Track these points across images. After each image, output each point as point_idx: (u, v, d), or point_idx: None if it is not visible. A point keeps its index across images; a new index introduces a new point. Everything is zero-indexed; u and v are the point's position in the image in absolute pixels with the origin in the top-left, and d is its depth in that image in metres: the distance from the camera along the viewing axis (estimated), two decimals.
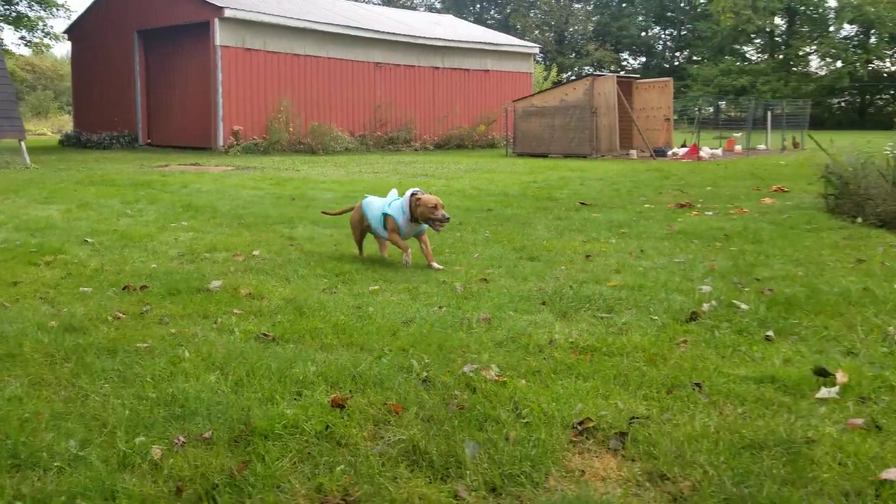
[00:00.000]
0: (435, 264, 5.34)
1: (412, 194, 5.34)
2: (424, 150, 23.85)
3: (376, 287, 4.69)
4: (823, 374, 2.94)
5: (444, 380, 2.99)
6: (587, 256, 5.83)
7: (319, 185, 11.60)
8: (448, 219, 5.31)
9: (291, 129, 20.98)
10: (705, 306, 4.12)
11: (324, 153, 20.84)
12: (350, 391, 2.87)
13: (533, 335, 3.63)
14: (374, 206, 5.62)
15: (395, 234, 5.44)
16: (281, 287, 4.66)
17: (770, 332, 3.60)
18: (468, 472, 2.24)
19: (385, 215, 5.45)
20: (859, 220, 7.14)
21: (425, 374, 3.06)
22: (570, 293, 4.47)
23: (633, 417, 2.59)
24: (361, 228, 5.76)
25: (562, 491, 2.14)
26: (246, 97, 20.74)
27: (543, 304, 4.26)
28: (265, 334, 3.62)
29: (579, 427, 2.53)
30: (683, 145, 21.46)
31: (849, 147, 8.56)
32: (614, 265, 5.46)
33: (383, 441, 2.46)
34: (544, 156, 20.57)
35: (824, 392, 2.78)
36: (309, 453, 2.36)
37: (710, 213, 8.47)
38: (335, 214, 6.83)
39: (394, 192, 5.70)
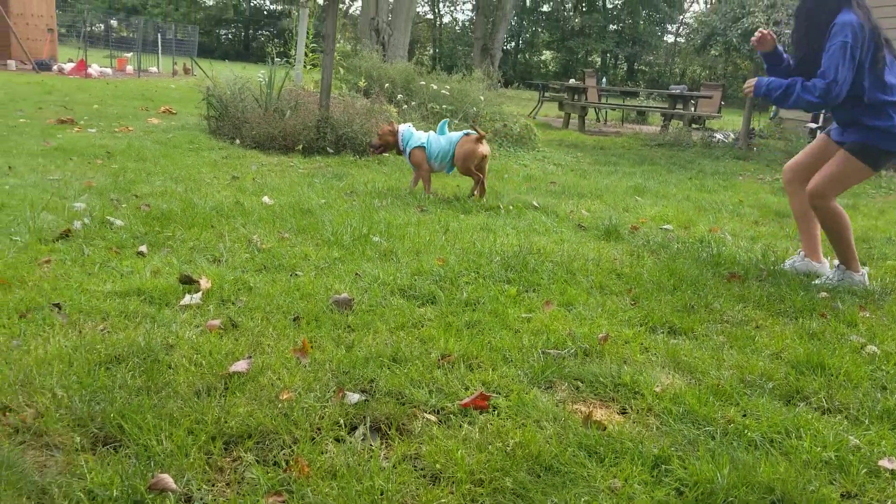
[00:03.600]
0: None
1: None
2: None
3: None
4: (189, 282, 2.99)
5: None
6: None
7: None
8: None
9: None
10: (77, 224, 3.84)
11: None
12: None
13: None
14: None
15: None
16: None
17: (143, 247, 3.53)
18: None
19: None
20: (238, 141, 7.57)
21: None
22: None
23: None
24: None
25: None
26: None
27: None
28: None
29: None
30: (70, 61, 19.86)
31: (229, 73, 8.95)
32: None
33: None
34: None
35: (188, 299, 2.83)
36: None
37: (94, 130, 8.00)
38: None
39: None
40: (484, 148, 5.36)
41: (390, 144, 5.64)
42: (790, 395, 2.41)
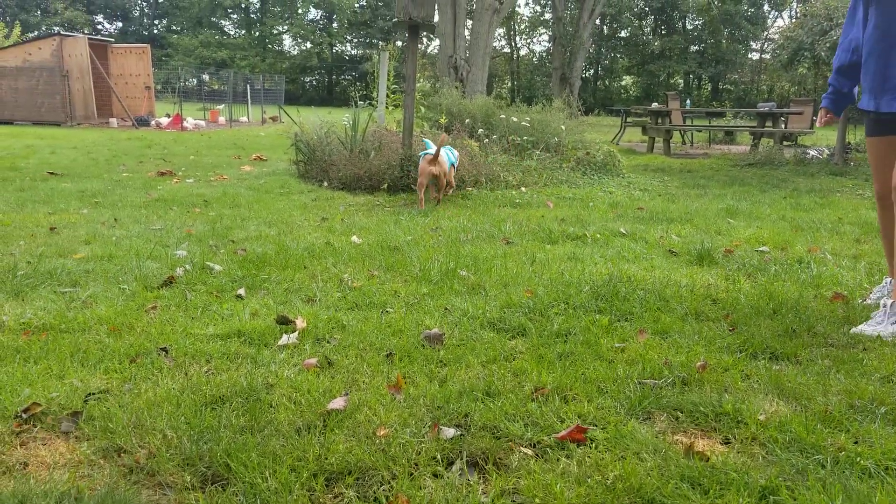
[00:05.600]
0: None
1: None
2: None
3: None
4: (285, 323, 3.09)
5: None
6: (52, 229, 5.26)
7: None
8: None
9: None
10: (179, 271, 4.02)
11: None
12: None
13: None
14: None
15: None
16: None
17: (241, 290, 3.66)
18: None
19: None
20: (325, 183, 7.79)
21: None
22: (27, 269, 3.95)
23: (90, 394, 2.37)
24: None
25: None
26: None
27: None
28: None
29: (24, 415, 2.22)
30: (167, 115, 20.94)
31: (315, 119, 9.25)
32: (84, 236, 5.03)
33: None
34: (8, 123, 18.08)
35: (285, 339, 2.91)
36: None
37: (192, 180, 8.39)
38: None
39: None
40: (434, 168, 6.43)
41: None
42: None
